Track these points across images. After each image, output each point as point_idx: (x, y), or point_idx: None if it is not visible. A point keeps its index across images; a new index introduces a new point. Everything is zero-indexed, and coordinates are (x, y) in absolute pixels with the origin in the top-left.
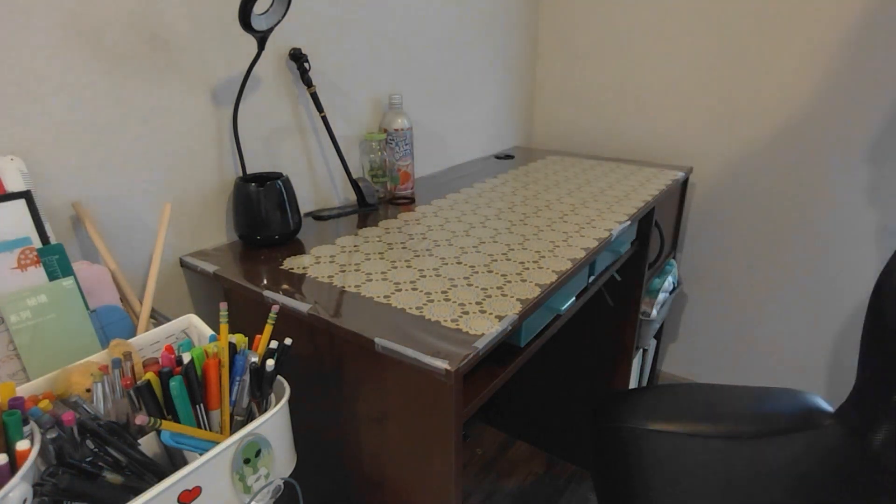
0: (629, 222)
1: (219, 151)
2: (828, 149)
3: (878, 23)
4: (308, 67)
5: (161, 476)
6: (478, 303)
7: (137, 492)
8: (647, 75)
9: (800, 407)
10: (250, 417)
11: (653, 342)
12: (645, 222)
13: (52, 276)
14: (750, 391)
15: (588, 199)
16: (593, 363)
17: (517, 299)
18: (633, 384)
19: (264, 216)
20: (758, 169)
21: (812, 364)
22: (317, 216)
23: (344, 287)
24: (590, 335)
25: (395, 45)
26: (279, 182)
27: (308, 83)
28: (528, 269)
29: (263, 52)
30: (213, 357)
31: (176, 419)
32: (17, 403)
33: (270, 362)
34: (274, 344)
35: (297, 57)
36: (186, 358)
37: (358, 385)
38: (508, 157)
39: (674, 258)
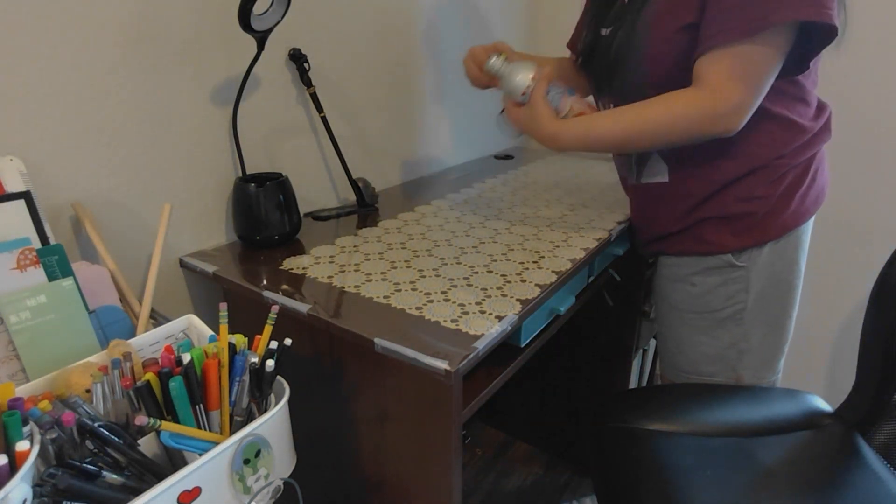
0: (629, 223)
1: (219, 151)
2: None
3: None
4: (308, 67)
5: (161, 476)
6: (477, 303)
7: (137, 492)
8: None
9: (799, 407)
10: (250, 418)
11: (653, 342)
12: None
13: (51, 277)
14: (749, 391)
15: (588, 200)
16: (593, 363)
17: (517, 299)
18: (633, 384)
19: (263, 216)
20: None
21: (812, 364)
22: (316, 216)
23: (343, 287)
24: (590, 335)
25: (394, 45)
26: (278, 182)
27: (308, 83)
28: (527, 269)
29: (263, 53)
30: (212, 357)
31: (175, 420)
32: (16, 404)
33: (270, 363)
34: (274, 344)
35: (297, 57)
36: (186, 358)
37: (358, 385)
38: (508, 157)
39: None
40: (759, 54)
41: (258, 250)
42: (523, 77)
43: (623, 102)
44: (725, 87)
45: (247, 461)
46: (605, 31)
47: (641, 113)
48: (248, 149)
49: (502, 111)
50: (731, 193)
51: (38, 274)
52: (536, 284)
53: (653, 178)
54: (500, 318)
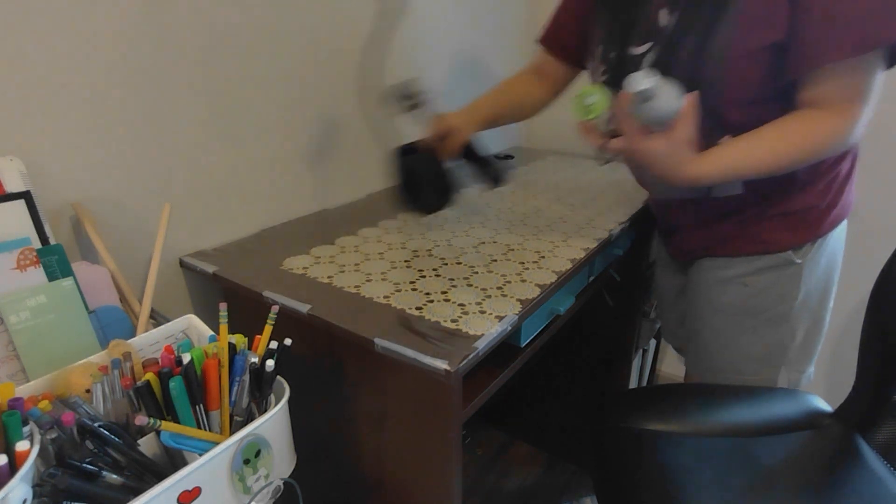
0: (629, 223)
1: (219, 151)
2: None
3: None
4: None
5: (161, 476)
6: (477, 303)
7: (137, 492)
8: None
9: (799, 407)
10: (250, 418)
11: (653, 342)
12: (645, 222)
13: (51, 277)
14: (749, 391)
15: (588, 200)
16: (593, 363)
17: (517, 299)
18: (633, 384)
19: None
20: None
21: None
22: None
23: (343, 287)
24: (590, 335)
25: (394, 46)
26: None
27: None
28: (527, 269)
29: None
30: (212, 357)
31: (175, 420)
32: (16, 404)
33: (270, 363)
34: (273, 344)
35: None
36: (186, 358)
37: (358, 385)
38: (508, 157)
39: None
40: (870, 67)
41: (258, 249)
42: (675, 104)
43: (703, 126)
44: (850, 107)
45: (247, 461)
46: (637, 50)
47: (781, 145)
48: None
49: (608, 139)
50: (800, 191)
51: (38, 274)
52: (536, 284)
53: (725, 192)
54: (500, 318)
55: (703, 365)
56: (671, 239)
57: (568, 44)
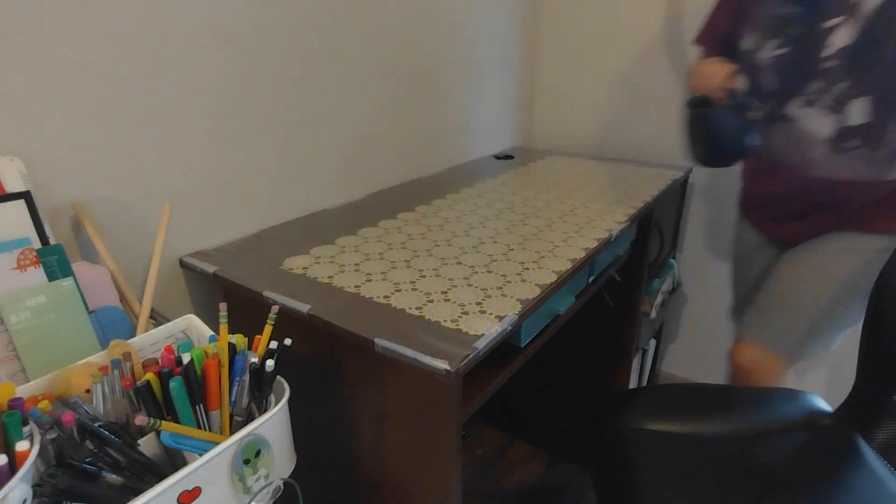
0: (629, 222)
1: (219, 151)
2: None
3: None
4: None
5: (161, 476)
6: (478, 303)
7: (137, 492)
8: (647, 75)
9: (799, 407)
10: (250, 418)
11: (653, 342)
12: (645, 222)
13: (51, 277)
14: (749, 391)
15: (588, 200)
16: (593, 363)
17: (517, 299)
18: (633, 384)
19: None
20: None
21: (811, 364)
22: None
23: (344, 287)
24: (590, 335)
25: (397, 48)
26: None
27: None
28: (527, 269)
29: None
30: (212, 357)
31: (175, 419)
32: (16, 404)
33: (270, 363)
34: (273, 344)
35: None
36: (186, 358)
37: (358, 385)
38: (508, 157)
39: (673, 258)
40: None
41: (257, 249)
42: None
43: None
44: None
45: (247, 461)
46: (826, 24)
47: None
48: None
49: None
50: None
51: (38, 274)
52: (536, 284)
53: None
54: (500, 318)
55: (789, 337)
56: (793, 223)
57: (725, 38)
